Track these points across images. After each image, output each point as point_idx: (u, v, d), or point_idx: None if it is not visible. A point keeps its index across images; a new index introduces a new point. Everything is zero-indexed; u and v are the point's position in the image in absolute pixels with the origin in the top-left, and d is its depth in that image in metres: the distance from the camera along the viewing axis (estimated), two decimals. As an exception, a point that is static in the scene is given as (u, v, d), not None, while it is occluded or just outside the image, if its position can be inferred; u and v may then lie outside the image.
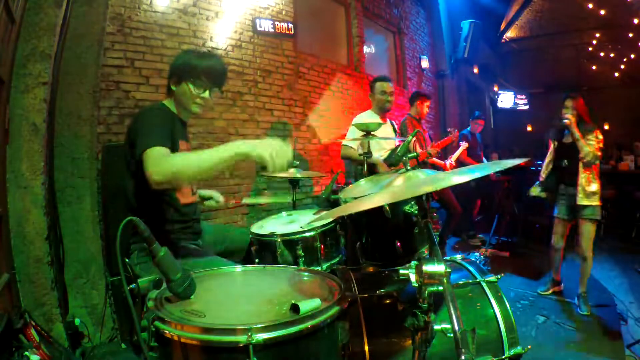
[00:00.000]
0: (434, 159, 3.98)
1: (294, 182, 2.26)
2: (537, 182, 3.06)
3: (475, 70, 8.04)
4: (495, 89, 9.27)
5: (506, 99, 8.94)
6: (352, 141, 2.95)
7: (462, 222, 4.62)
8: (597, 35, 8.40)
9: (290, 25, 3.79)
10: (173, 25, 2.89)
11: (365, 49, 5.13)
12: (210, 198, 1.93)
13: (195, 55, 1.55)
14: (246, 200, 3.00)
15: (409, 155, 1.35)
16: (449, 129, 4.06)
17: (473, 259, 1.48)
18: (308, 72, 4.08)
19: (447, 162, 4.12)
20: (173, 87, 1.54)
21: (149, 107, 1.57)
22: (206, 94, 1.53)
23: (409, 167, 1.24)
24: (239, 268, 1.23)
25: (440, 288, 0.84)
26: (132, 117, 1.50)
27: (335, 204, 2.24)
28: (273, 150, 1.20)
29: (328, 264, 1.75)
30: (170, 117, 1.53)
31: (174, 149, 1.43)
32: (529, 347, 1.20)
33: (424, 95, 3.96)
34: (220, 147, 1.23)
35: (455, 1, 6.99)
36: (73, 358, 1.89)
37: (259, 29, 3.52)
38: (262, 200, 3.21)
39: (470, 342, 0.74)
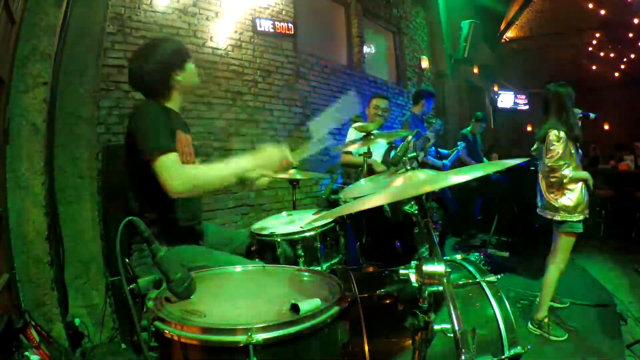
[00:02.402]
0: (429, 159, 3.94)
1: (294, 182, 2.26)
2: None
3: (475, 70, 8.02)
4: (495, 89, 9.26)
5: (506, 99, 8.93)
6: (350, 146, 2.97)
7: (462, 221, 4.61)
8: (597, 35, 8.40)
9: (290, 25, 3.79)
10: (173, 25, 2.89)
11: (365, 49, 5.13)
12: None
13: (168, 40, 1.63)
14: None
15: (409, 155, 1.35)
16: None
17: (473, 259, 1.48)
18: (308, 72, 4.08)
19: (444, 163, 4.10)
20: (179, 77, 1.52)
21: (143, 105, 1.51)
22: None
23: (408, 167, 1.24)
24: (239, 268, 1.23)
25: (440, 288, 0.84)
26: (129, 116, 1.48)
27: (335, 204, 2.24)
28: (263, 161, 1.42)
29: (328, 264, 1.75)
30: (165, 111, 1.49)
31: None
32: (528, 347, 1.20)
33: (430, 93, 3.93)
34: (231, 162, 1.40)
35: (455, 1, 6.98)
36: (73, 358, 1.90)
37: (259, 29, 3.52)
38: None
39: (470, 342, 0.75)
